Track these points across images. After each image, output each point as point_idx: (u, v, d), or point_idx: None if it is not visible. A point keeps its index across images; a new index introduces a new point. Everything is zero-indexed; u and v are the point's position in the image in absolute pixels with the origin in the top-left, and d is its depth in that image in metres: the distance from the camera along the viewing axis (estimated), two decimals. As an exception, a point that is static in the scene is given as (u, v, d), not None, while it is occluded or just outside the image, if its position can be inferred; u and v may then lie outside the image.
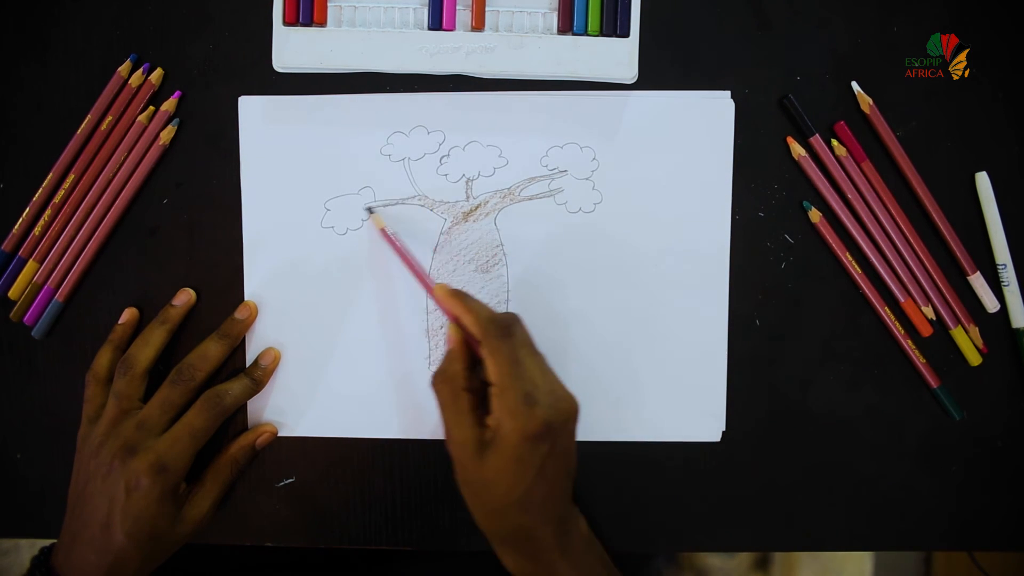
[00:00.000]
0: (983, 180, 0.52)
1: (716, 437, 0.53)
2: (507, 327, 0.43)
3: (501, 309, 0.53)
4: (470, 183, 0.52)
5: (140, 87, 0.51)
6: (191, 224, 0.53)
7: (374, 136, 0.52)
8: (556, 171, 0.52)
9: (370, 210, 0.52)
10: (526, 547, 0.44)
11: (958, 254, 0.52)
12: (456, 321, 0.45)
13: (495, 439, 0.41)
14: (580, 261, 0.52)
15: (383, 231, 0.50)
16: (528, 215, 0.52)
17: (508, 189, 0.52)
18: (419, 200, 0.52)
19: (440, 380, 0.44)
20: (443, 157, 0.52)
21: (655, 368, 0.52)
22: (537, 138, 0.52)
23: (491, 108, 0.52)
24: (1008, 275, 0.52)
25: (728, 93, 0.52)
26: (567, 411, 0.43)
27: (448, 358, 0.45)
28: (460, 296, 0.45)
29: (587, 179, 0.52)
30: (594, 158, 0.52)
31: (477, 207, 0.52)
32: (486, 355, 0.42)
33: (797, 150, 0.52)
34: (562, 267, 0.52)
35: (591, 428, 0.53)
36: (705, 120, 0.52)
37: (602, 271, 0.52)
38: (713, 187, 0.52)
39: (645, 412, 0.53)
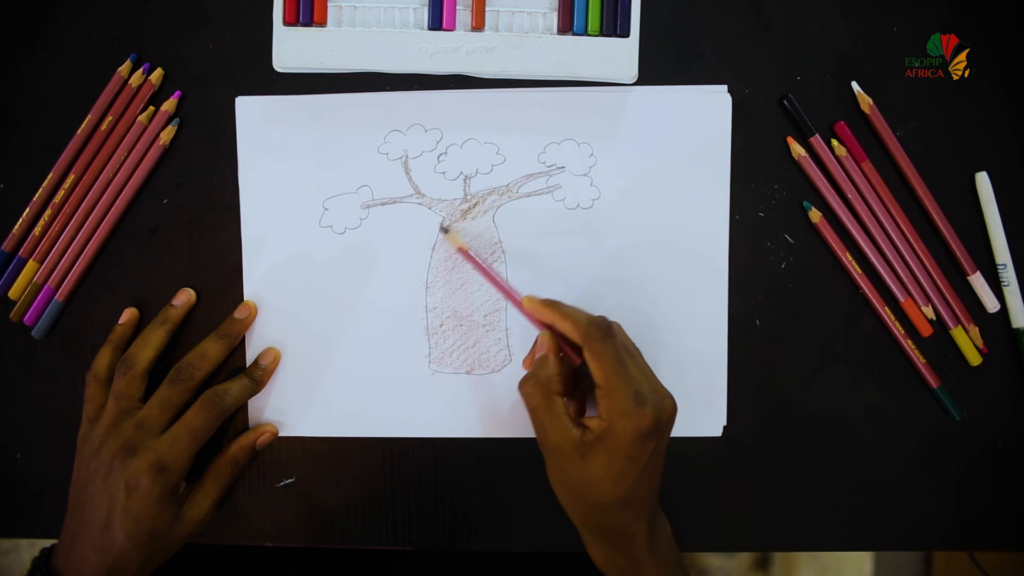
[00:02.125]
0: (983, 180, 0.52)
1: (717, 432, 0.53)
2: (608, 328, 0.44)
3: (500, 306, 0.53)
4: (468, 181, 0.52)
5: (140, 87, 0.51)
6: (191, 224, 0.53)
7: (371, 135, 0.52)
8: (554, 168, 0.52)
9: (445, 229, 0.52)
10: (621, 542, 0.45)
11: (958, 254, 0.52)
12: (548, 328, 0.46)
13: (605, 438, 0.42)
14: (579, 257, 0.52)
15: (461, 250, 0.50)
16: (526, 212, 0.52)
17: (506, 186, 0.52)
18: (417, 198, 0.52)
19: (532, 385, 0.44)
20: (441, 155, 0.52)
21: (655, 364, 0.52)
22: (534, 135, 0.52)
23: (488, 105, 0.52)
24: (1008, 275, 0.52)
25: (724, 87, 0.52)
26: (670, 408, 0.44)
27: (541, 363, 0.45)
28: (553, 304, 0.46)
29: (585, 175, 0.52)
30: (592, 154, 0.52)
31: (475, 205, 0.52)
32: (590, 358, 0.43)
33: (797, 150, 0.52)
34: (561, 264, 0.52)
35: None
36: (702, 114, 0.52)
37: (601, 267, 0.52)
38: (711, 182, 0.52)
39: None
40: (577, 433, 0.43)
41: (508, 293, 0.48)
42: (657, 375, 0.45)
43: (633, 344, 0.46)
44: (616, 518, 0.44)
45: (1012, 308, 0.53)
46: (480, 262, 0.50)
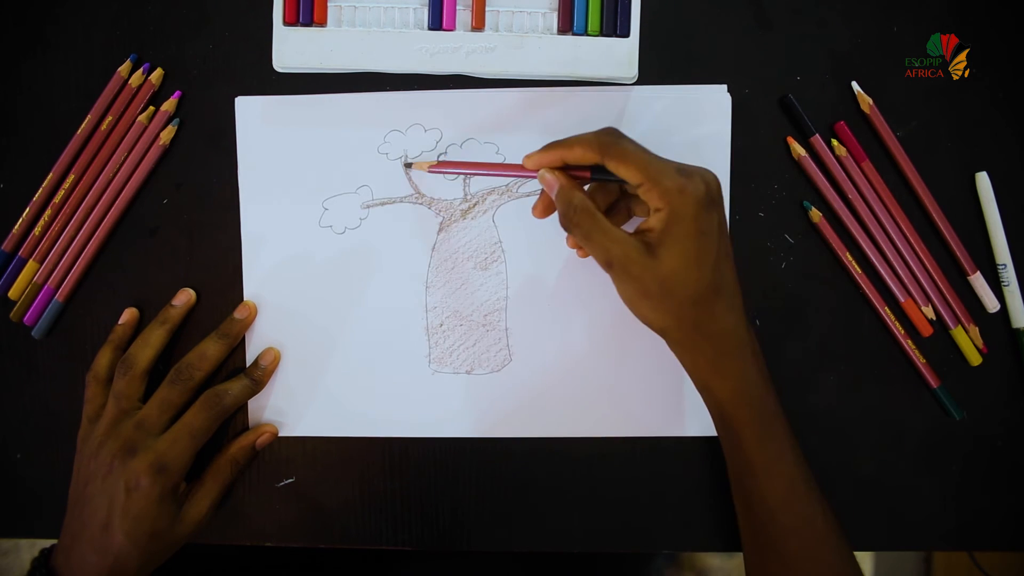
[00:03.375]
0: (983, 180, 0.52)
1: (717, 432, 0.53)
2: (617, 130, 0.43)
3: (500, 306, 0.53)
4: (468, 180, 0.52)
5: (140, 87, 0.51)
6: (191, 224, 0.53)
7: (371, 135, 0.52)
8: (555, 169, 0.52)
9: (408, 164, 0.52)
10: (724, 343, 0.43)
11: (958, 254, 0.52)
12: (556, 168, 0.45)
13: (669, 225, 0.41)
14: (579, 257, 0.52)
15: (434, 166, 0.50)
16: (526, 212, 0.52)
17: (506, 186, 0.52)
18: (416, 198, 0.52)
19: (572, 213, 0.43)
20: (440, 155, 0.52)
21: (655, 364, 0.52)
22: (534, 134, 0.52)
23: (487, 105, 0.52)
24: (1008, 275, 0.52)
25: (724, 87, 0.52)
26: (711, 175, 0.42)
27: (563, 195, 0.44)
28: (552, 144, 0.44)
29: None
30: (592, 154, 0.52)
31: (475, 205, 0.52)
32: (617, 164, 0.42)
33: (797, 150, 0.52)
34: (561, 263, 0.52)
35: (591, 424, 0.53)
36: (702, 114, 0.52)
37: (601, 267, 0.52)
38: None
39: (645, 408, 0.53)
40: (636, 238, 0.42)
41: (506, 169, 0.48)
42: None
43: None
44: (711, 311, 0.42)
45: (1012, 308, 0.53)
46: (459, 160, 0.49)
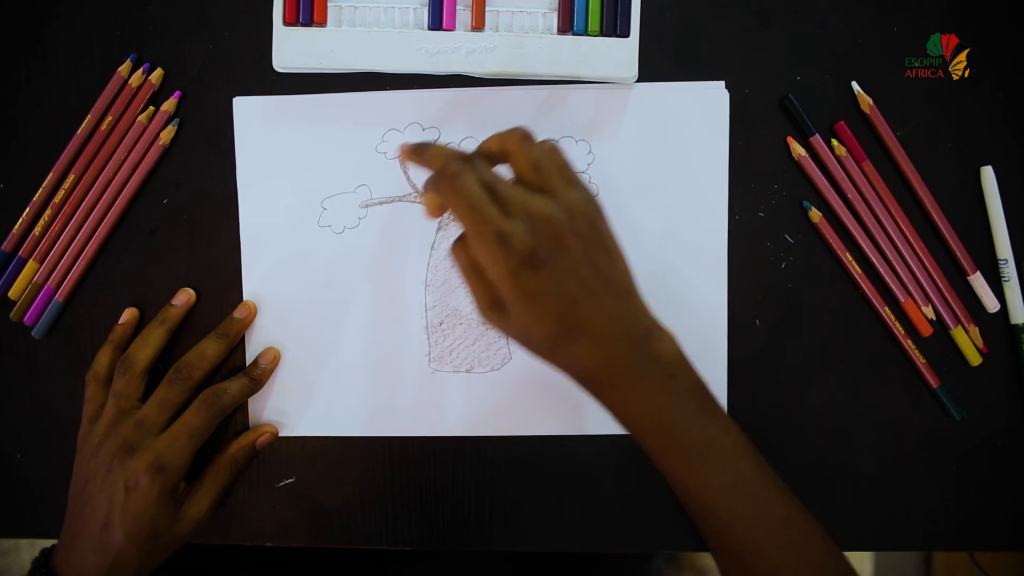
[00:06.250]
0: (988, 174, 0.52)
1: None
2: (447, 174, 0.38)
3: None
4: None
5: (140, 87, 0.51)
6: (191, 224, 0.53)
7: (369, 134, 0.52)
8: (554, 168, 0.52)
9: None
10: (604, 374, 0.40)
11: (958, 254, 0.52)
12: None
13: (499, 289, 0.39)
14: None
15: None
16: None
17: (507, 187, 0.52)
18: (415, 197, 0.52)
19: (455, 248, 0.41)
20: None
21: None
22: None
23: (485, 103, 0.52)
24: (1009, 271, 0.52)
25: (722, 83, 0.52)
26: (554, 228, 0.38)
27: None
28: (418, 149, 0.42)
29: (583, 173, 0.52)
30: (589, 151, 0.52)
31: (474, 205, 0.52)
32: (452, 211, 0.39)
33: (797, 150, 0.52)
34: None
35: (590, 423, 0.53)
36: (700, 111, 0.52)
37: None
38: (710, 179, 0.52)
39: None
40: (493, 291, 0.39)
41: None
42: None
43: (497, 176, 0.40)
44: (578, 351, 0.39)
45: (1011, 304, 0.53)
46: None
